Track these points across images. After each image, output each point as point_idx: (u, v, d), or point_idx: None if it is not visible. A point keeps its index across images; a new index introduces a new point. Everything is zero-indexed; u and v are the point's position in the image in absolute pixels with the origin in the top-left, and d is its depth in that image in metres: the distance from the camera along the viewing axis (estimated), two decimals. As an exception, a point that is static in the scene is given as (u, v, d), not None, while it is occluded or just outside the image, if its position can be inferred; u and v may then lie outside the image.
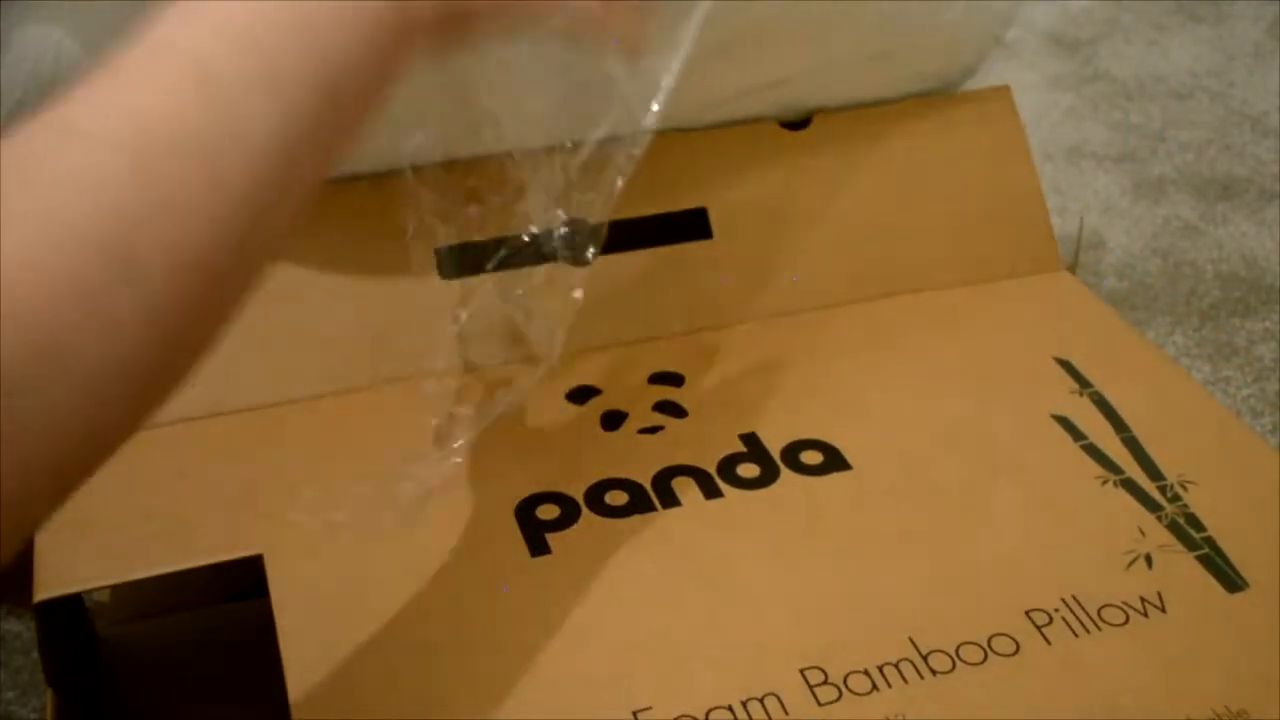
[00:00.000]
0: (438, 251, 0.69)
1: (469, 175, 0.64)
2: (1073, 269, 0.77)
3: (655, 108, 0.59)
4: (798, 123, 0.77)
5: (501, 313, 0.65)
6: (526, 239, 0.62)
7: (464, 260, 0.65)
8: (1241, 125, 1.44)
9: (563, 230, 0.61)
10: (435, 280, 0.70)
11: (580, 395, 0.69)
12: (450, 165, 0.64)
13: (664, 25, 0.60)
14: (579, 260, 0.61)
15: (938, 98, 0.79)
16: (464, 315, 0.65)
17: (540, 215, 0.61)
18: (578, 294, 0.61)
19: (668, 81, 0.60)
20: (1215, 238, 1.26)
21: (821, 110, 0.77)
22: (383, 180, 0.70)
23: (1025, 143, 0.79)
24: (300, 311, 0.69)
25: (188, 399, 0.66)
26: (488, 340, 0.67)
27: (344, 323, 0.69)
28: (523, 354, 0.64)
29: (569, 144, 0.60)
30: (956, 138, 0.79)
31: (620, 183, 0.59)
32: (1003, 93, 0.80)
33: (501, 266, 0.64)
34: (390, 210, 0.69)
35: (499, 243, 0.64)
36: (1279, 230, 1.27)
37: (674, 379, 0.70)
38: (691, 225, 0.76)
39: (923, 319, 0.74)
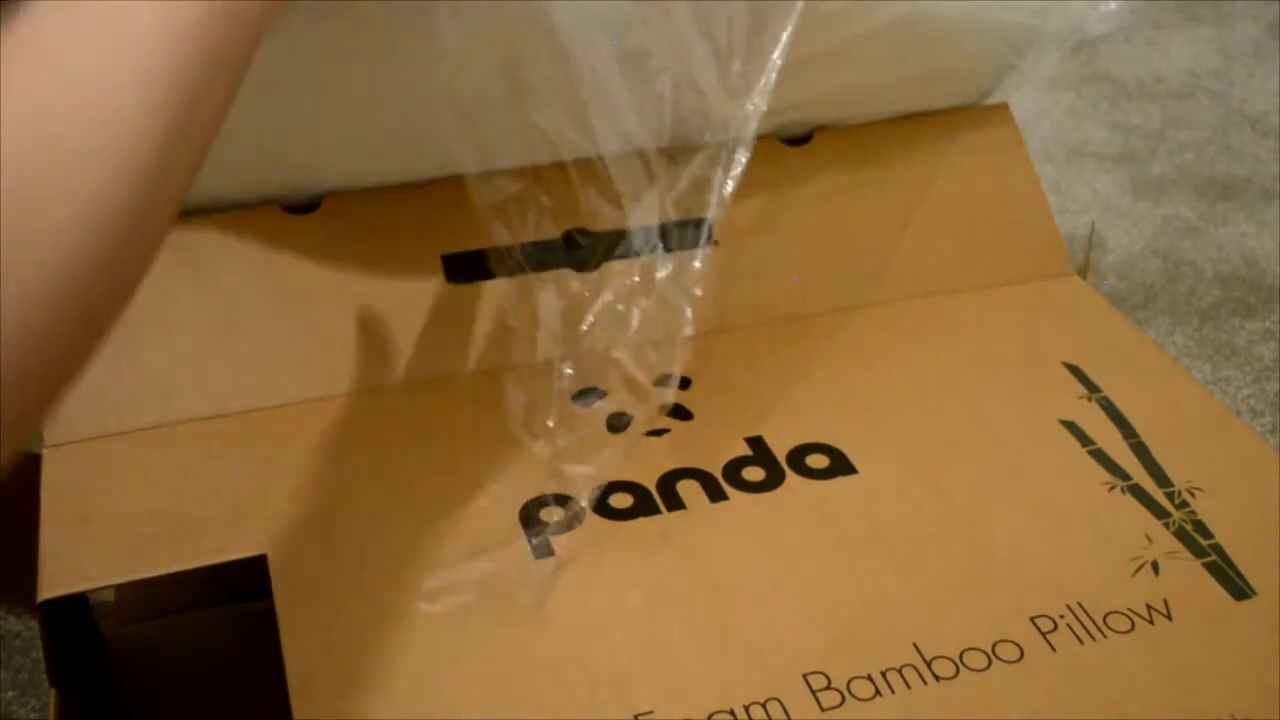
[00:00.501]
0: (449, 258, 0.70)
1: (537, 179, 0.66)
2: (1083, 273, 0.77)
3: (754, 118, 0.60)
4: (799, 139, 0.77)
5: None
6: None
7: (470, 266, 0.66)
8: (1241, 125, 1.44)
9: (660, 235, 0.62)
10: (442, 284, 0.70)
11: (586, 397, 0.68)
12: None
13: (753, 32, 0.61)
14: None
15: (936, 114, 0.80)
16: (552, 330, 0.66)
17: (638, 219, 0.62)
18: (689, 314, 0.62)
19: (764, 88, 0.60)
20: (1215, 238, 1.26)
21: (823, 127, 0.77)
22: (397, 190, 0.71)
23: (1026, 155, 0.79)
24: (308, 313, 0.70)
25: (193, 399, 0.67)
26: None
27: (351, 325, 0.70)
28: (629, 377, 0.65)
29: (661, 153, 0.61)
30: (957, 151, 0.79)
31: (727, 190, 0.60)
32: (1001, 110, 0.80)
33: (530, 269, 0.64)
34: (403, 214, 0.69)
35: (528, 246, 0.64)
36: (1279, 230, 1.27)
37: (681, 382, 0.69)
38: (695, 234, 0.76)
39: (930, 324, 0.74)
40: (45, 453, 0.65)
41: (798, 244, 0.75)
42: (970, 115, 0.80)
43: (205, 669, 0.68)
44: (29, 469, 0.65)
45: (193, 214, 0.70)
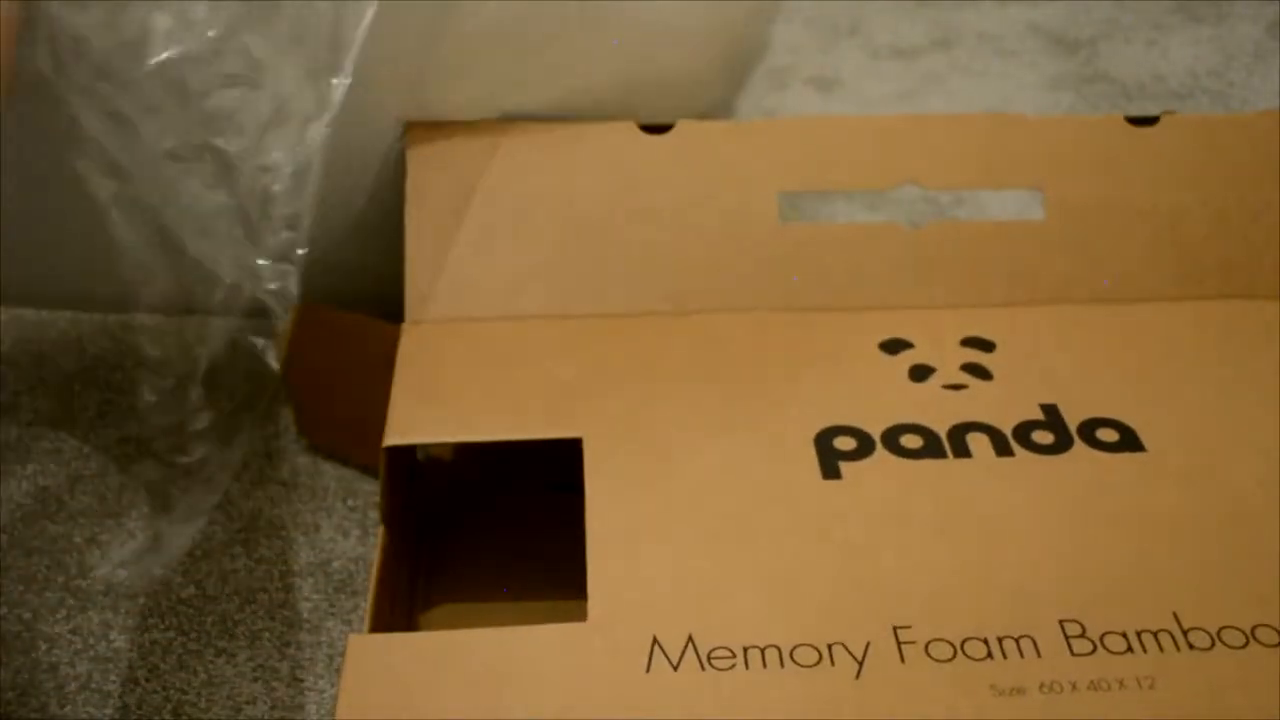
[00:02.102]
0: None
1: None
2: None
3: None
4: (1144, 119, 0.77)
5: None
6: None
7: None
8: (1241, 127, 1.45)
9: None
10: (775, 221, 0.75)
11: (892, 346, 0.72)
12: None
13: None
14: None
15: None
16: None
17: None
18: None
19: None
20: (1217, 240, 1.29)
21: (1172, 111, 0.77)
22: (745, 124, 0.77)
23: None
24: (649, 231, 0.75)
25: (539, 297, 0.73)
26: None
27: (688, 249, 0.75)
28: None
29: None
30: None
31: None
32: None
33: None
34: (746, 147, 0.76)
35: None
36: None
37: (986, 345, 0.71)
38: (1024, 205, 0.78)
39: (1249, 327, 0.74)
40: (404, 327, 0.72)
41: (1125, 227, 0.76)
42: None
43: (515, 540, 0.73)
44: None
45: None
